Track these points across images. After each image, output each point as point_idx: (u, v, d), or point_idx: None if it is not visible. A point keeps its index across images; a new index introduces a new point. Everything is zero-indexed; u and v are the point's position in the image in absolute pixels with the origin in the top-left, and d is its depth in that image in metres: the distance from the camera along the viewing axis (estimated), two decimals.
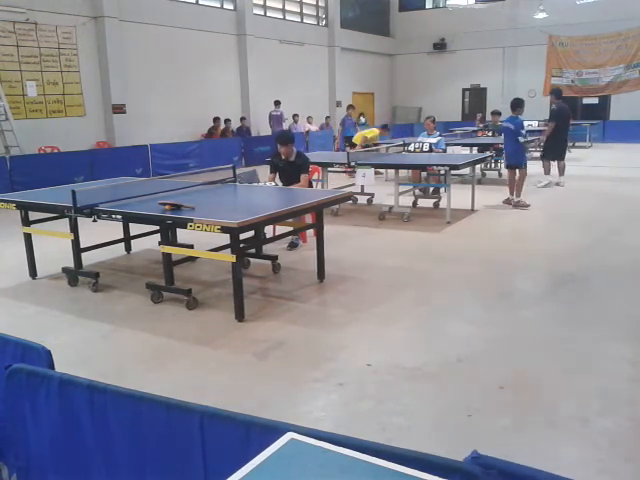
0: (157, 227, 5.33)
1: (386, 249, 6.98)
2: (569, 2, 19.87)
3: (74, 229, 5.55)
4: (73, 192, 5.10)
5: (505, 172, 12.07)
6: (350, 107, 16.43)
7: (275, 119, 17.74)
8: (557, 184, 11.21)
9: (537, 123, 16.10)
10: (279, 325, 4.63)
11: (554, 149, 11.08)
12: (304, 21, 21.28)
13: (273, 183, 6.97)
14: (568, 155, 16.29)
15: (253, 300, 5.19)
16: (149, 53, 14.98)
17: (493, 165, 13.41)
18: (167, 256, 5.15)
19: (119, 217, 5.06)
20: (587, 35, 19.58)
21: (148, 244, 6.85)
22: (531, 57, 21.92)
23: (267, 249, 6.41)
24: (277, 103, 17.84)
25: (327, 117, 19.97)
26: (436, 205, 9.43)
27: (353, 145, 12.63)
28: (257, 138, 16.91)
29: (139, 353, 4.23)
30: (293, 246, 7.03)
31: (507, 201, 9.42)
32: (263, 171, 7.83)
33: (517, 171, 9.23)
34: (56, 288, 5.80)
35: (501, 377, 3.67)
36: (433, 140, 10.20)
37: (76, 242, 5.65)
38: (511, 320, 4.71)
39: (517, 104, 9.20)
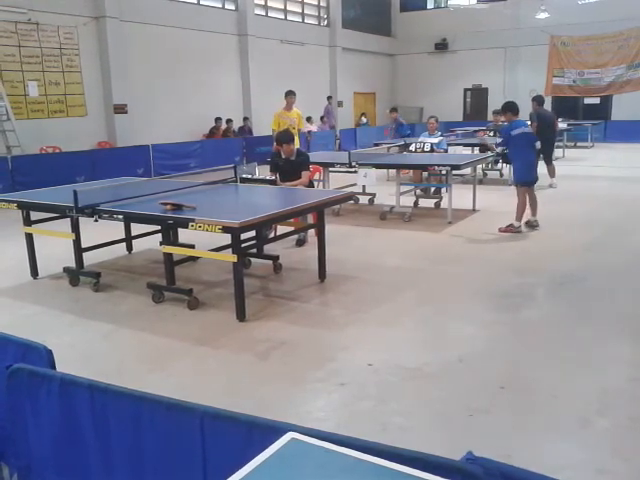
0: (158, 227, 5.33)
1: (387, 249, 6.98)
2: (571, 2, 19.85)
3: (75, 229, 5.55)
4: (74, 192, 5.10)
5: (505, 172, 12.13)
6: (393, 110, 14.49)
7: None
8: (550, 186, 11.07)
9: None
10: (280, 325, 4.64)
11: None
12: (305, 21, 21.28)
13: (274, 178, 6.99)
14: (570, 155, 16.40)
15: (254, 300, 5.19)
16: (151, 53, 14.98)
17: (494, 165, 13.39)
18: (168, 256, 5.15)
19: (120, 217, 5.06)
20: (589, 35, 19.52)
21: (149, 244, 6.85)
22: (533, 57, 21.89)
23: (268, 249, 6.41)
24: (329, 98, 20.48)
25: (321, 117, 19.96)
26: (437, 205, 9.42)
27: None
28: (258, 138, 16.92)
29: (140, 353, 4.23)
30: (301, 243, 7.04)
31: (529, 223, 7.73)
32: (264, 171, 7.83)
33: (521, 188, 7.55)
34: (57, 288, 5.80)
35: (502, 377, 3.67)
36: (434, 140, 10.19)
37: (77, 242, 5.66)
38: (512, 320, 4.71)
39: (517, 107, 7.64)
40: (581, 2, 19.52)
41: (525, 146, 7.41)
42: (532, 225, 7.70)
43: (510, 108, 7.54)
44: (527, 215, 7.65)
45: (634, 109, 20.42)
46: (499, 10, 22.70)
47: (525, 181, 7.51)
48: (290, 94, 10.29)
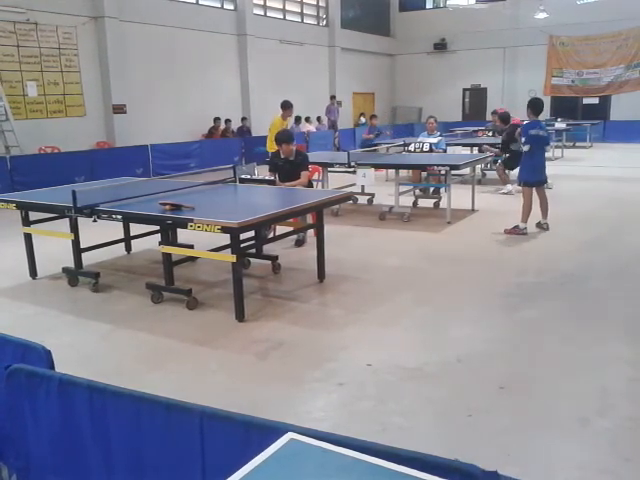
0: (157, 227, 5.33)
1: (386, 249, 6.98)
2: (570, 2, 19.87)
3: (74, 229, 5.55)
4: (73, 192, 5.10)
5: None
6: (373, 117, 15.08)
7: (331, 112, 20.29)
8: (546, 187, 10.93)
9: None
10: (279, 325, 4.63)
11: (515, 160, 10.05)
12: (304, 21, 21.28)
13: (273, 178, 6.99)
14: (568, 155, 16.42)
15: (253, 300, 5.19)
16: (149, 53, 14.98)
17: (493, 165, 13.39)
18: (167, 256, 5.15)
19: (119, 217, 5.06)
20: (588, 35, 19.59)
21: (148, 244, 6.84)
22: (532, 57, 21.92)
23: (267, 249, 6.41)
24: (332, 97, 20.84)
25: (318, 117, 19.99)
26: (436, 205, 9.42)
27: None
28: (257, 138, 16.91)
29: (139, 353, 4.23)
30: (300, 243, 7.05)
31: (539, 225, 7.70)
32: (263, 171, 7.83)
33: (527, 189, 7.51)
34: (56, 288, 5.80)
35: (501, 377, 3.67)
36: (433, 140, 10.20)
37: (76, 242, 5.65)
38: (511, 320, 4.71)
39: (541, 106, 7.62)
40: (580, 2, 19.54)
41: (536, 147, 7.39)
42: (542, 227, 7.64)
43: (530, 106, 7.53)
44: (538, 216, 7.61)
45: (633, 109, 20.44)
46: (498, 10, 22.71)
47: (529, 181, 7.47)
48: (291, 107, 10.08)
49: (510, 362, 3.93)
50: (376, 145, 11.88)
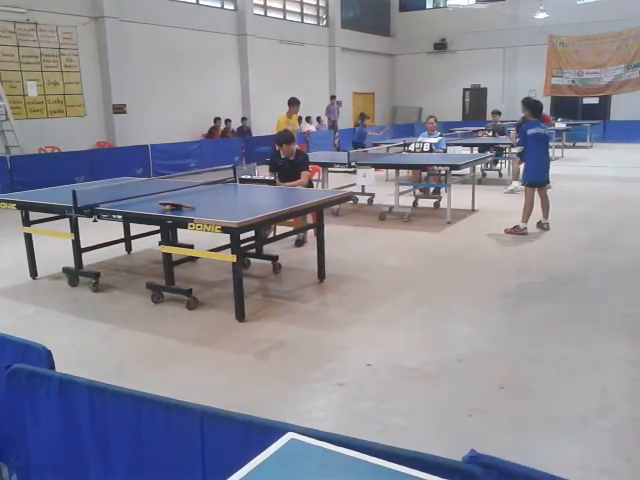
0: (157, 227, 5.33)
1: (386, 249, 6.98)
2: (570, 2, 19.86)
3: (74, 229, 5.55)
4: (73, 192, 5.10)
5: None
6: (366, 117, 15.29)
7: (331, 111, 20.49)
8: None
9: None
10: (279, 325, 4.63)
11: None
12: (304, 21, 21.28)
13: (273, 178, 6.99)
14: (569, 155, 16.42)
15: (253, 300, 5.19)
16: (150, 53, 14.98)
17: (493, 165, 13.39)
18: (167, 256, 5.15)
19: (119, 217, 5.06)
20: (587, 35, 19.54)
21: (148, 244, 6.85)
22: (532, 57, 21.91)
23: (268, 249, 6.41)
24: (332, 97, 20.92)
25: (318, 117, 19.99)
26: (436, 205, 9.42)
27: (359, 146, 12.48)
28: (257, 138, 16.92)
29: (139, 353, 4.23)
30: (300, 243, 7.05)
31: (540, 225, 7.68)
32: (263, 171, 7.83)
33: (529, 189, 7.48)
34: (56, 288, 5.80)
35: (501, 377, 3.67)
36: (434, 140, 10.19)
37: (76, 242, 5.65)
38: (511, 320, 4.71)
39: (540, 107, 7.74)
40: (580, 2, 19.53)
41: (538, 146, 7.38)
42: (543, 227, 7.63)
43: (528, 108, 7.57)
44: (539, 216, 7.60)
45: (633, 109, 20.45)
46: (498, 10, 22.71)
47: (534, 181, 7.45)
48: (298, 103, 9.97)
49: (510, 362, 3.93)
50: (372, 145, 11.90)
